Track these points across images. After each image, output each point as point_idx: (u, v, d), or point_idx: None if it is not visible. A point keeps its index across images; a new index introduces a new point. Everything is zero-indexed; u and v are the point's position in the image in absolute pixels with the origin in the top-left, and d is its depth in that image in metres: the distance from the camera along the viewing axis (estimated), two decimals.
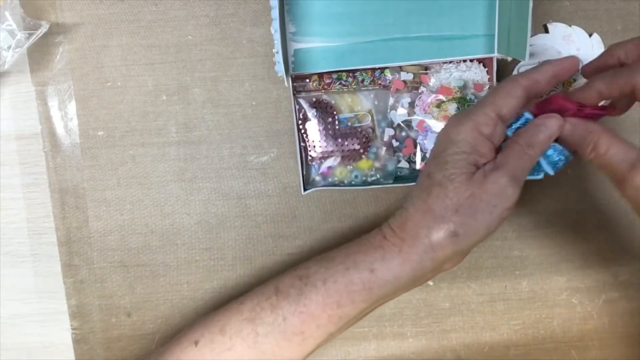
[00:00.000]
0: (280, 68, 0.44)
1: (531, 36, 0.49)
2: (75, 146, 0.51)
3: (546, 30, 0.50)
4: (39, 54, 0.50)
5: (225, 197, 0.52)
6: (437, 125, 0.47)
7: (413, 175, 0.49)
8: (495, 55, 0.47)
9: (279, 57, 0.43)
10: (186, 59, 0.50)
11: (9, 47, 0.48)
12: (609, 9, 0.51)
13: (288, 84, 0.47)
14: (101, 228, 0.52)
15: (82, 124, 0.51)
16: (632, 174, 0.34)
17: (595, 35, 0.50)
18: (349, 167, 0.49)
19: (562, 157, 0.39)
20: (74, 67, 0.51)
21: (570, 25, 0.50)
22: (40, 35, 0.48)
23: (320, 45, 0.47)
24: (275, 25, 0.43)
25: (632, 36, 0.51)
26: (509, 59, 0.46)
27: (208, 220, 0.52)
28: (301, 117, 0.48)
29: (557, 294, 0.54)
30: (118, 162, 0.51)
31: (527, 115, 0.39)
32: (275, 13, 0.42)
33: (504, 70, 0.50)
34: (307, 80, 0.48)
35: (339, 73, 0.48)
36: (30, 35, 0.48)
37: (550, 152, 0.39)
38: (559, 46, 0.50)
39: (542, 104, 0.40)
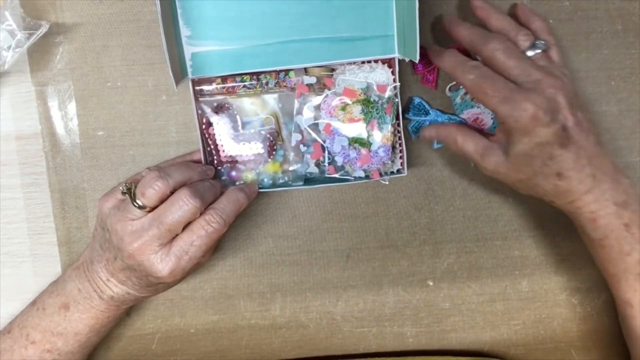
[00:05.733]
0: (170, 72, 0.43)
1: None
2: (75, 146, 0.51)
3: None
4: (39, 54, 0.50)
5: None
6: (344, 128, 0.47)
7: (323, 177, 0.49)
8: (397, 55, 0.47)
9: (167, 62, 0.42)
10: None
11: (9, 47, 0.48)
12: (608, 9, 0.51)
13: (179, 88, 0.45)
14: None
15: (82, 124, 0.51)
16: (482, 161, 0.45)
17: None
18: (256, 171, 0.48)
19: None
20: (74, 67, 0.51)
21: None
22: (40, 35, 0.48)
23: (216, 49, 0.47)
24: (161, 28, 0.42)
25: (632, 36, 0.51)
26: (407, 59, 0.46)
27: None
28: (204, 121, 0.48)
29: (557, 294, 0.54)
30: (118, 162, 0.51)
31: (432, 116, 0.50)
32: (159, 16, 0.41)
33: (405, 70, 0.50)
34: (214, 84, 0.48)
35: (243, 76, 0.48)
36: (30, 35, 0.48)
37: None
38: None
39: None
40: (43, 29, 0.48)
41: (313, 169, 0.48)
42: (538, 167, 0.42)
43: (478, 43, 0.44)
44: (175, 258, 0.42)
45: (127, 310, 0.51)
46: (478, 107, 0.50)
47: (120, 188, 0.43)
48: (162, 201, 0.43)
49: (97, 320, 0.47)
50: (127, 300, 0.47)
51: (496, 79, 0.42)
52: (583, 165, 0.42)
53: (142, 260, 0.42)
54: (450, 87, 0.50)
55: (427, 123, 0.50)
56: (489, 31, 0.46)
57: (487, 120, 0.50)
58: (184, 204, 0.41)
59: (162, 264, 0.42)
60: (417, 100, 0.50)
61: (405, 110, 0.50)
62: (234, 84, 0.48)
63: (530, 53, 0.44)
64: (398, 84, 0.47)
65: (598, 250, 0.45)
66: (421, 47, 0.46)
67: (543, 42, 0.44)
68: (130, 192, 0.42)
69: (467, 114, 0.50)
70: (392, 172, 0.49)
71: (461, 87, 0.50)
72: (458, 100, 0.50)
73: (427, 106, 0.50)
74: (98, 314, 0.46)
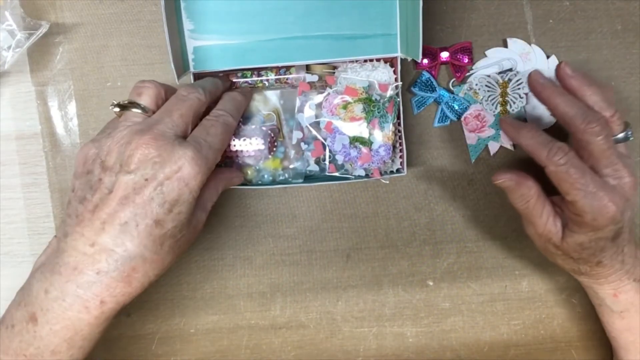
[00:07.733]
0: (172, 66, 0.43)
1: (489, 48, 0.50)
2: (75, 146, 0.51)
3: (505, 45, 0.50)
4: (39, 54, 0.50)
5: (225, 197, 0.52)
6: (345, 127, 0.47)
7: (323, 175, 0.49)
8: (399, 55, 0.47)
9: (169, 54, 0.42)
10: None
11: (9, 47, 0.48)
12: (608, 9, 0.51)
13: (179, 82, 0.44)
14: None
15: (82, 124, 0.51)
16: (535, 223, 0.45)
17: (553, 57, 0.50)
18: (256, 167, 0.48)
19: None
20: (74, 67, 0.51)
21: (530, 44, 0.50)
22: (40, 35, 0.48)
23: (219, 43, 0.47)
24: (164, 21, 0.42)
25: (632, 36, 0.51)
26: (409, 58, 0.46)
27: (208, 220, 0.52)
28: None
29: (557, 294, 0.54)
30: None
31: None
32: (162, 9, 0.41)
33: (406, 70, 0.50)
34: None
35: (244, 72, 0.48)
36: (30, 35, 0.48)
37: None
38: (517, 61, 0.50)
39: None
40: (43, 29, 0.48)
41: (313, 167, 0.48)
42: (586, 255, 0.43)
43: (578, 118, 0.41)
44: (195, 143, 0.38)
45: (127, 311, 0.51)
46: (480, 103, 0.50)
47: (110, 107, 0.40)
48: (159, 106, 0.40)
49: (74, 331, 0.36)
50: (120, 270, 0.36)
51: (584, 170, 0.40)
52: (618, 253, 0.43)
53: (159, 146, 0.36)
54: (452, 82, 0.50)
55: (432, 100, 0.51)
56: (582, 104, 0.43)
57: (489, 118, 0.50)
58: (187, 95, 0.40)
59: (182, 149, 0.37)
60: (425, 75, 0.50)
61: (412, 84, 0.51)
62: (236, 80, 0.48)
63: (619, 137, 0.43)
64: (400, 83, 0.47)
65: (617, 321, 0.47)
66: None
67: (631, 132, 0.43)
68: (123, 105, 0.40)
69: (469, 110, 0.50)
70: (391, 172, 0.49)
71: (463, 82, 0.50)
72: (461, 95, 0.50)
73: (434, 83, 0.50)
74: (74, 321, 0.36)
